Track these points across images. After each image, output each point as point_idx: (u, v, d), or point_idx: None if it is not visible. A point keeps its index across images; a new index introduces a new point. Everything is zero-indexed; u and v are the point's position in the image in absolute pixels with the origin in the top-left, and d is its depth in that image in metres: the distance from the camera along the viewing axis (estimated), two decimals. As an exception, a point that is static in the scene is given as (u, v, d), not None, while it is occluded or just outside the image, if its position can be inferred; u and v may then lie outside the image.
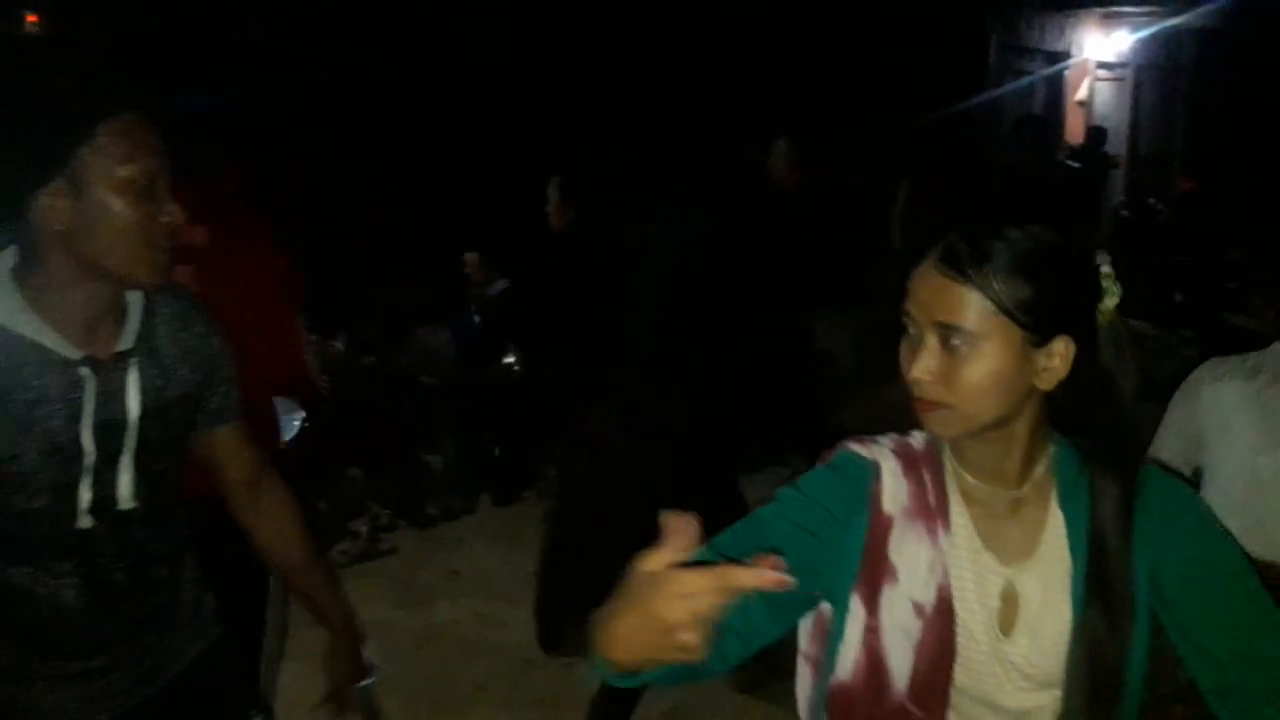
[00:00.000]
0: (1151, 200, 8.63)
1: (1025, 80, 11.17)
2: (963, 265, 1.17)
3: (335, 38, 6.18)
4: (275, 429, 2.69)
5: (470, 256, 5.62)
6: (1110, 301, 1.23)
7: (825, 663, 1.33)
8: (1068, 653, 1.23)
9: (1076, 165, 8.82)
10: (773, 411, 3.50)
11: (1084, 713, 1.21)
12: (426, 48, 6.60)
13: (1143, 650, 1.23)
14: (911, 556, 1.27)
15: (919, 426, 1.40)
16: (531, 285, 4.63)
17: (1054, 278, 1.18)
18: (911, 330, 1.23)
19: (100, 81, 1.48)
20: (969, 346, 1.17)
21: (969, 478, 1.28)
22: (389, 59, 6.32)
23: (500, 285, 5.58)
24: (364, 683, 1.94)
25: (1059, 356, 1.20)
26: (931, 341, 1.20)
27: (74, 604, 1.56)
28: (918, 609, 1.25)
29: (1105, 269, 1.24)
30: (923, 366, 1.20)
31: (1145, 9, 11.65)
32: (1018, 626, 1.25)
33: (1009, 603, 1.25)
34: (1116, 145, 11.34)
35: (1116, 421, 1.24)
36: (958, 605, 1.26)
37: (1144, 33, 12.03)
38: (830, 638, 1.31)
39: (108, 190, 1.43)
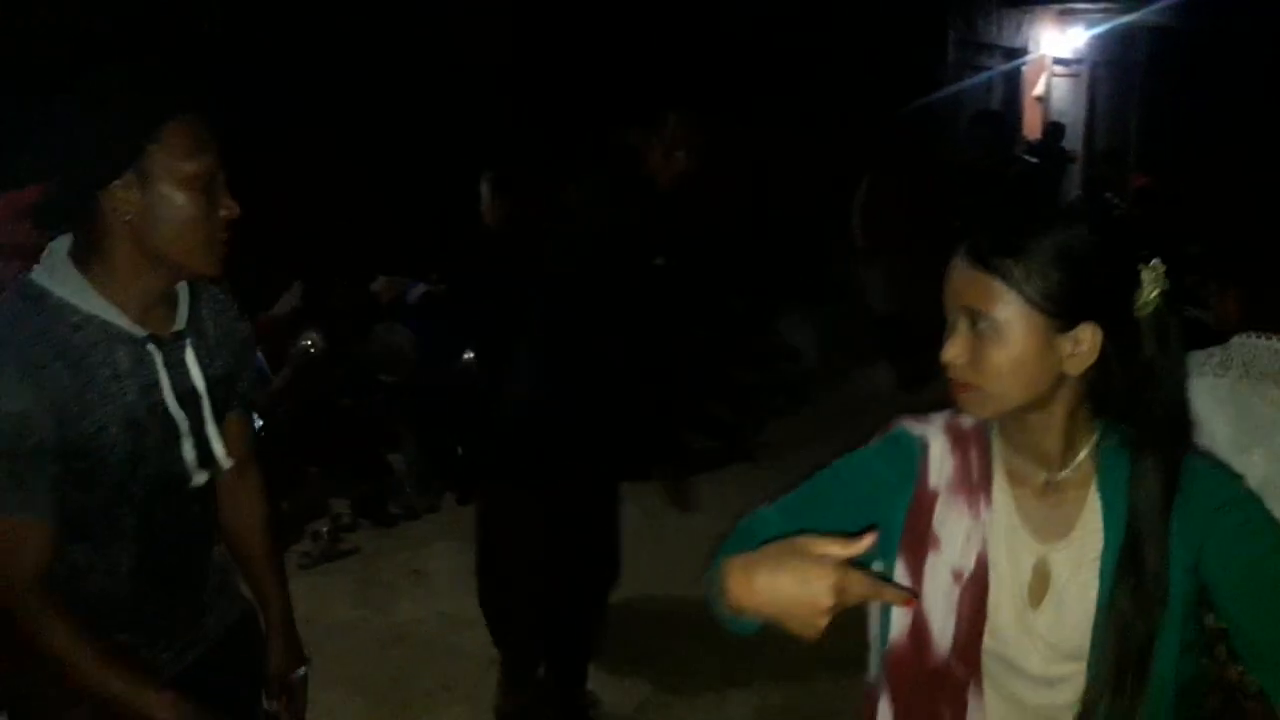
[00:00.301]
0: (1108, 195, 8.74)
1: (983, 76, 11.26)
2: (986, 255, 1.25)
3: (292, 36, 6.11)
4: None
5: (375, 284, 5.59)
6: (1151, 293, 1.28)
7: (881, 628, 1.42)
8: (1093, 628, 1.29)
9: (1034, 160, 8.91)
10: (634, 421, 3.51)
11: (1110, 688, 1.26)
12: (390, 43, 6.54)
13: (1175, 636, 1.27)
14: (953, 527, 1.36)
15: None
16: (469, 283, 4.59)
17: (1076, 268, 1.24)
18: (948, 317, 1.31)
19: (169, 81, 1.59)
20: (994, 331, 1.25)
21: (1013, 456, 1.37)
22: (348, 58, 6.25)
23: (420, 290, 5.54)
24: (300, 671, 2.00)
25: (1086, 343, 1.26)
26: (961, 326, 1.28)
27: (126, 579, 1.66)
28: (956, 576, 1.35)
29: (1154, 262, 1.28)
30: (953, 350, 1.28)
31: (1100, 6, 11.79)
32: (1046, 600, 1.33)
33: (1040, 577, 1.33)
34: (1073, 140, 11.48)
35: (1161, 409, 1.29)
36: (991, 575, 1.34)
37: (1099, 29, 12.18)
38: (883, 603, 1.39)
39: (173, 184, 1.54)
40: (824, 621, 1.15)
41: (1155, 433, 1.29)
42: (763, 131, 7.81)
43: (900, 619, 1.38)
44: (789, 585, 1.15)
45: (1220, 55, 10.39)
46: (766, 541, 1.23)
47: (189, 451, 1.67)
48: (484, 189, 4.59)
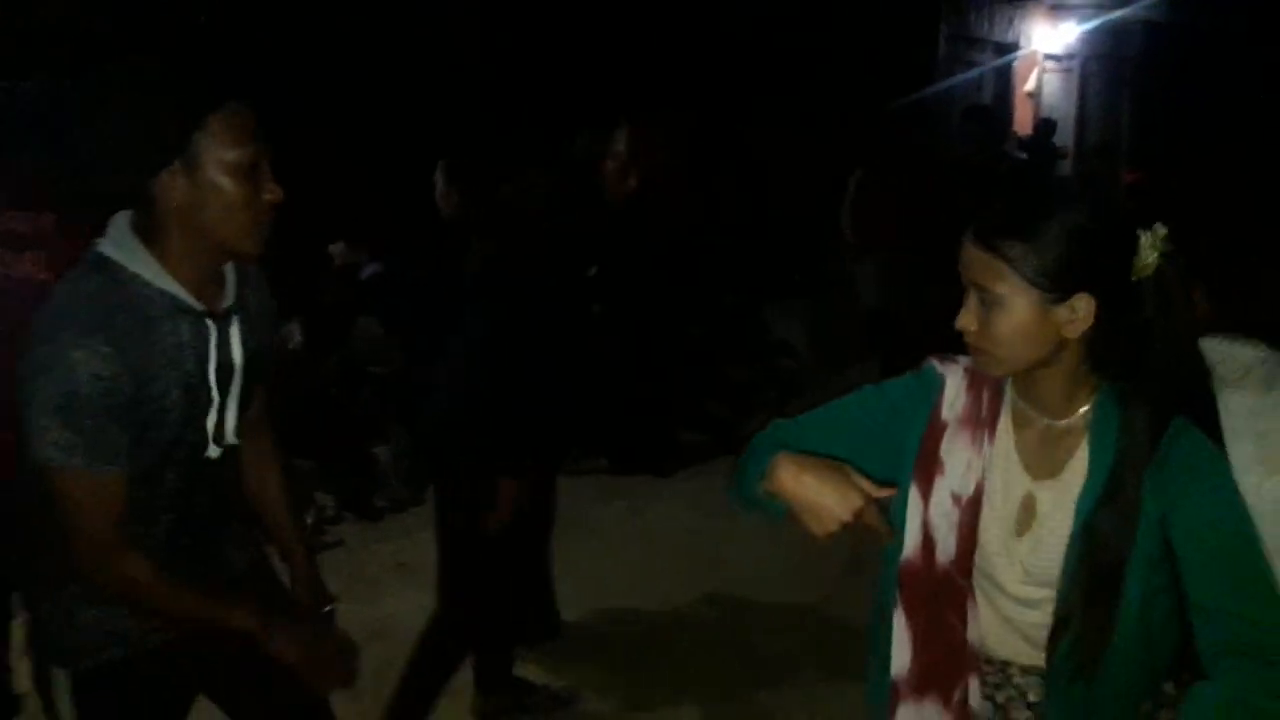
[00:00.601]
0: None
1: (975, 71, 11.25)
2: (988, 237, 1.41)
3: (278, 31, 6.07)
4: None
5: (334, 247, 5.55)
6: (1149, 257, 1.40)
7: (891, 549, 1.58)
8: (1065, 558, 1.45)
9: (1024, 156, 8.89)
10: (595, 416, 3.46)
11: (1080, 608, 1.43)
12: (386, 38, 6.50)
13: (1140, 575, 1.41)
14: (957, 456, 1.54)
15: None
16: (419, 271, 4.55)
17: (1070, 248, 1.38)
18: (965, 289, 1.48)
19: (212, 76, 1.70)
20: (997, 304, 1.41)
21: (1021, 402, 1.54)
22: (340, 54, 6.21)
23: (372, 268, 5.50)
24: (327, 608, 2.10)
25: (1081, 311, 1.40)
26: (972, 298, 1.44)
27: (164, 533, 1.81)
28: (956, 499, 1.53)
29: (1156, 227, 1.41)
30: (964, 320, 1.45)
31: (1092, 1, 11.78)
32: (1029, 531, 1.50)
33: (1026, 509, 1.51)
34: (1064, 136, 11.47)
35: (1158, 368, 1.42)
36: (985, 502, 1.52)
37: (1090, 24, 12.19)
38: (894, 520, 1.57)
39: (218, 171, 1.66)
40: (835, 529, 1.41)
41: (1148, 389, 1.43)
42: (757, 129, 7.79)
43: (912, 534, 1.56)
44: (827, 492, 1.42)
45: (1212, 51, 10.41)
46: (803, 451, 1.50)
47: (210, 427, 1.81)
48: (439, 177, 4.54)
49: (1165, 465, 1.40)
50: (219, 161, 1.65)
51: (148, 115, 1.62)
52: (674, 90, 7.11)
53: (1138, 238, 1.41)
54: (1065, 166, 11.02)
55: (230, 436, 1.85)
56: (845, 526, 1.41)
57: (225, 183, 1.66)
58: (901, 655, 1.57)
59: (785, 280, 7.71)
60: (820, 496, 1.42)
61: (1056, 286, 1.39)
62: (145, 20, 5.34)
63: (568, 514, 3.80)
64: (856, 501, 1.41)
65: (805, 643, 3.79)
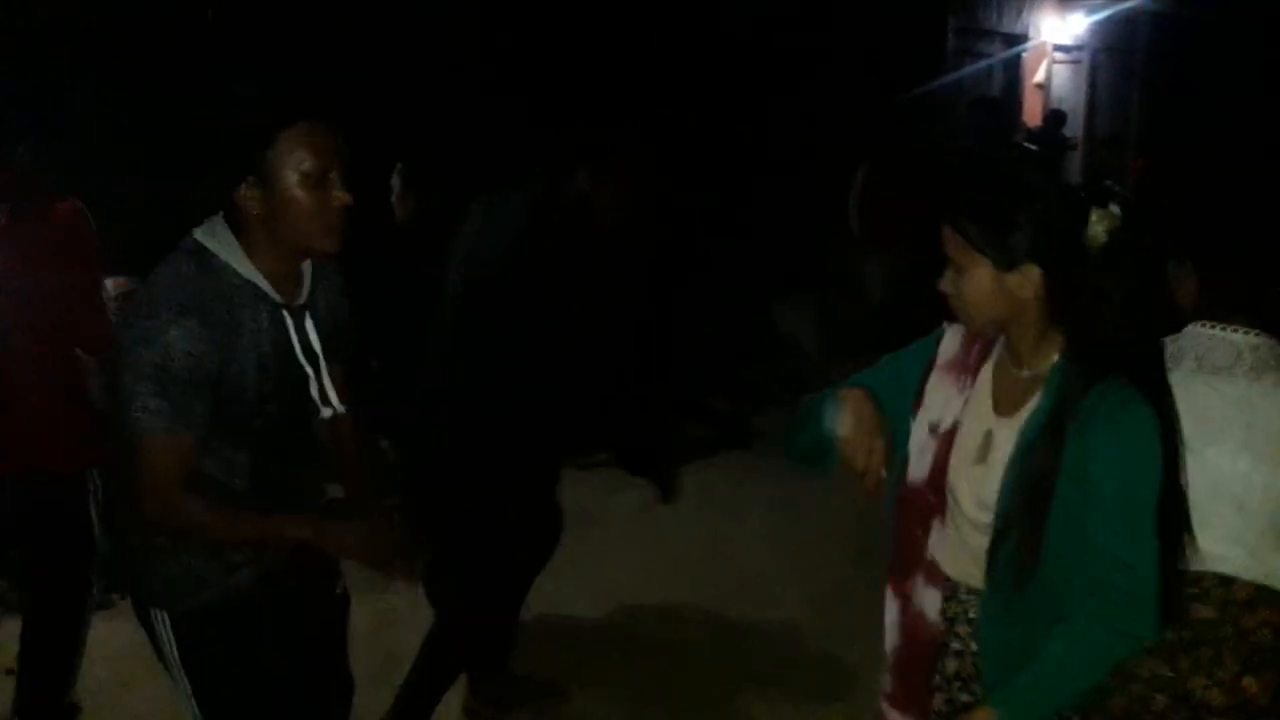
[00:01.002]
0: (1108, 182, 8.69)
1: (983, 63, 11.21)
2: (952, 218, 1.67)
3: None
4: (84, 388, 3.09)
5: None
6: (1097, 230, 1.60)
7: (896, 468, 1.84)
8: (1006, 470, 1.68)
9: (1033, 148, 8.86)
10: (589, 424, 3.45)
11: (1017, 520, 1.64)
12: (389, 42, 6.48)
13: (1063, 502, 1.62)
14: (938, 392, 1.82)
15: None
16: (375, 278, 4.50)
17: (1014, 226, 1.62)
18: None
19: (279, 98, 1.92)
20: (963, 272, 1.68)
21: (1004, 353, 1.78)
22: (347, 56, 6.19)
23: None
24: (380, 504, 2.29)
25: (1031, 278, 1.64)
26: (950, 267, 1.70)
27: (243, 488, 2.02)
28: (932, 429, 1.81)
29: (1111, 205, 1.61)
30: (944, 283, 1.72)
31: (1100, -8, 11.73)
32: (985, 461, 1.73)
33: (986, 441, 1.74)
34: (1073, 127, 11.43)
35: (1101, 329, 1.63)
36: (958, 434, 1.77)
37: (1099, 15, 12.14)
38: (898, 451, 1.83)
39: (289, 184, 1.87)
40: (850, 434, 1.70)
41: (1086, 346, 1.65)
42: (764, 126, 7.76)
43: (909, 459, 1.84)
44: (868, 416, 1.72)
45: (1221, 41, 10.36)
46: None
47: (315, 394, 2.05)
48: (395, 181, 4.48)
49: (1095, 416, 1.62)
50: (289, 175, 1.87)
51: (218, 137, 1.89)
52: (674, 90, 7.09)
53: (1088, 214, 1.62)
54: (1075, 158, 10.99)
55: (338, 406, 2.10)
56: (853, 444, 1.70)
57: (298, 194, 1.88)
58: (889, 546, 1.90)
59: (793, 274, 7.70)
60: (863, 412, 1.72)
61: (1006, 259, 1.64)
62: (145, 20, 5.34)
63: (576, 507, 3.80)
64: (879, 442, 1.70)
65: (808, 641, 3.80)
